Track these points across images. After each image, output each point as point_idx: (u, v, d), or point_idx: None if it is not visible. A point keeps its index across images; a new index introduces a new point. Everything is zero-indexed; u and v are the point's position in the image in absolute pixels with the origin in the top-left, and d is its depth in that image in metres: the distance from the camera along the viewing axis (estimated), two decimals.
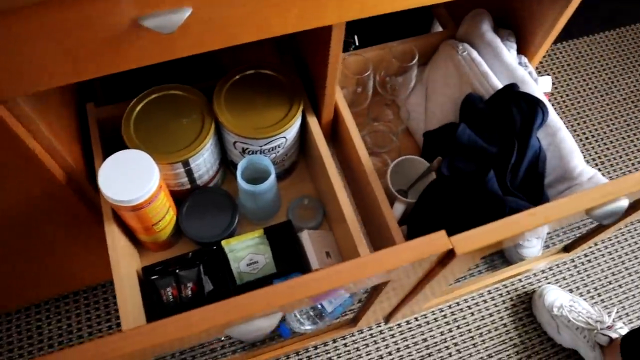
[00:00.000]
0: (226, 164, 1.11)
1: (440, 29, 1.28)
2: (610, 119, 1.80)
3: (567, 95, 1.82)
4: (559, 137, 0.94)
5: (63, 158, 0.87)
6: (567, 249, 1.23)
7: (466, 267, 0.78)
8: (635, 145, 1.76)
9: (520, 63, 1.08)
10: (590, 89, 1.84)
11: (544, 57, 1.87)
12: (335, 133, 1.11)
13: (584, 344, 1.40)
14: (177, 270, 1.02)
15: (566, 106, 1.80)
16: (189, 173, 0.98)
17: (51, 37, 0.61)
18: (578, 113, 1.79)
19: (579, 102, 1.81)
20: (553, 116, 0.96)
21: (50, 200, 0.95)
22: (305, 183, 1.15)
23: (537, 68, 1.84)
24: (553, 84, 1.83)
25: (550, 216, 0.65)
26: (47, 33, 0.60)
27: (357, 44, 1.38)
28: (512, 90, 0.97)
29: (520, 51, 1.12)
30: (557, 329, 1.45)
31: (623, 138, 1.77)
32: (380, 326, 1.46)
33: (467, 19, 1.12)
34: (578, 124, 1.78)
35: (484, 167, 0.88)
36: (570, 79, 1.85)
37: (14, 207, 0.94)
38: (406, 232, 0.97)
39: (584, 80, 1.86)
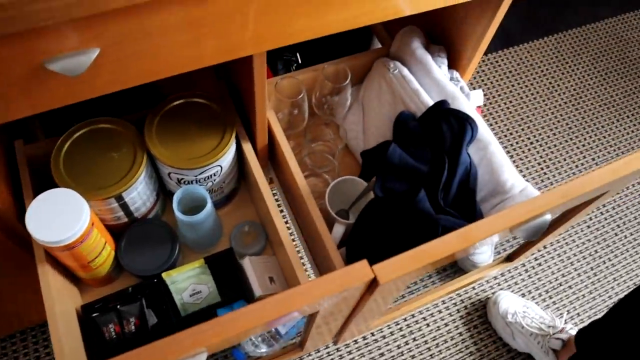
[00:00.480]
0: (165, 194, 1.09)
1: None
2: (553, 123, 1.83)
3: (511, 101, 1.85)
4: (490, 151, 0.95)
5: None
6: (510, 258, 1.25)
7: (400, 289, 0.78)
8: (577, 148, 1.80)
9: (451, 78, 1.09)
10: (532, 94, 1.88)
11: (486, 65, 1.91)
12: (273, 157, 1.10)
13: (537, 349, 1.41)
14: (119, 306, 1.00)
15: (510, 112, 1.83)
16: (124, 207, 0.97)
17: None
18: (522, 119, 1.82)
19: (522, 108, 1.84)
20: (484, 131, 0.97)
21: None
22: (248, 208, 1.14)
23: (479, 76, 1.87)
24: (496, 91, 1.86)
25: (473, 238, 0.66)
26: None
27: (299, 61, 1.37)
28: (441, 108, 0.98)
29: (452, 66, 1.13)
30: (512, 335, 1.46)
31: (566, 141, 1.80)
32: (336, 343, 1.45)
33: (399, 36, 1.13)
34: (522, 129, 1.81)
35: (416, 187, 0.88)
36: (513, 85, 1.89)
37: None
38: (345, 254, 0.96)
39: (526, 86, 1.89)
